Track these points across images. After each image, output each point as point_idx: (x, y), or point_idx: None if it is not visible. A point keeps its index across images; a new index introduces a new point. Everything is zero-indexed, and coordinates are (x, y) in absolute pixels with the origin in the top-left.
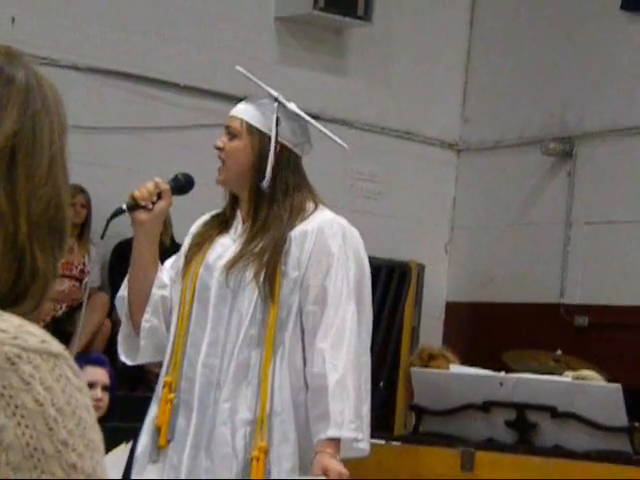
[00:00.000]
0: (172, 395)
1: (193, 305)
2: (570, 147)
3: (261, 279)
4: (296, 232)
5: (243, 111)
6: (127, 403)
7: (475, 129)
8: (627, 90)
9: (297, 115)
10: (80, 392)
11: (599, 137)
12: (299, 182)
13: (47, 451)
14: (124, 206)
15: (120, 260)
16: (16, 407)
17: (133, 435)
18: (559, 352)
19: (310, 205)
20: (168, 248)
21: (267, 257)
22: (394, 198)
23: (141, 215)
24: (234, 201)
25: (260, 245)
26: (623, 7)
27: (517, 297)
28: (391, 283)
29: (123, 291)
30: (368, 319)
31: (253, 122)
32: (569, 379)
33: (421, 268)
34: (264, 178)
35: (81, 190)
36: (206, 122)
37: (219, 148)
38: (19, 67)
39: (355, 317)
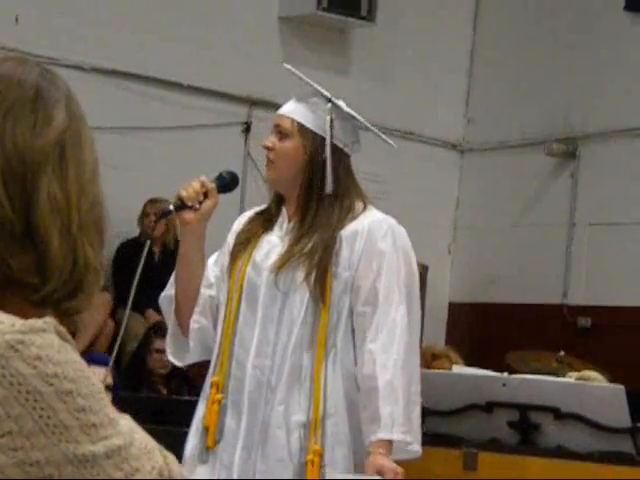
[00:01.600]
0: (220, 395)
1: (240, 305)
2: (573, 148)
3: (312, 281)
4: (346, 232)
5: (294, 111)
6: (130, 403)
7: (478, 130)
8: (630, 91)
9: (349, 115)
10: (73, 351)
11: (602, 138)
12: (350, 182)
13: (67, 423)
14: (171, 207)
15: (124, 260)
16: (28, 393)
17: None
18: (562, 353)
19: (359, 205)
20: (173, 250)
21: (318, 258)
22: (397, 198)
23: (188, 215)
24: (279, 199)
25: (310, 245)
26: (627, 8)
27: (520, 298)
28: None
29: (169, 291)
30: (417, 320)
31: (305, 122)
32: (572, 380)
33: (424, 269)
34: (315, 178)
35: None
36: (209, 122)
37: (269, 148)
38: (55, 75)
39: (405, 318)
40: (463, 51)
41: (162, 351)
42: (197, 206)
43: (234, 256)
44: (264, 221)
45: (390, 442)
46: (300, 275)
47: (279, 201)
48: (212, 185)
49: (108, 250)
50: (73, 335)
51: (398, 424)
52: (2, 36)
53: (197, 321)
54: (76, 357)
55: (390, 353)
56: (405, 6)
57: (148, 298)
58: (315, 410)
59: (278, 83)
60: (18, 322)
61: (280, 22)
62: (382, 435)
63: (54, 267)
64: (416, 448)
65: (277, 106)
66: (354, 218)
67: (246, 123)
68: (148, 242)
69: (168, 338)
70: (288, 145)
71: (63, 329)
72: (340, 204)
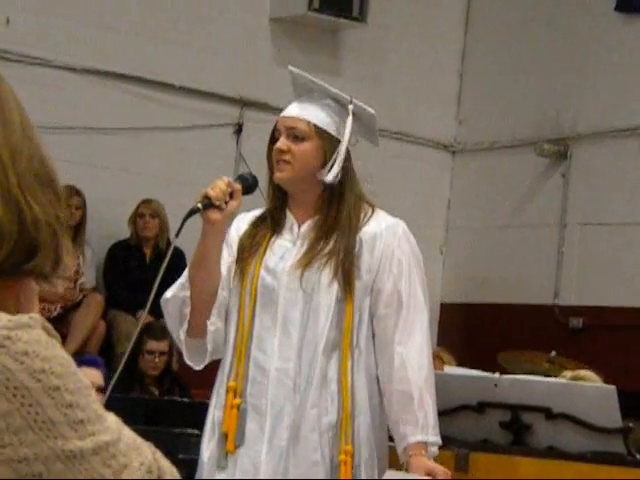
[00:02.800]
0: (238, 400)
1: (255, 308)
2: (564, 149)
3: (339, 281)
4: (365, 235)
5: (308, 113)
6: (122, 404)
7: (470, 130)
8: (621, 92)
9: (369, 115)
10: (59, 346)
11: (593, 139)
12: (359, 185)
13: (55, 419)
14: (199, 205)
15: (115, 261)
16: (15, 389)
17: None
18: (553, 353)
19: (367, 207)
20: (165, 252)
21: (342, 259)
22: (388, 199)
23: (215, 215)
24: (282, 203)
25: (329, 247)
26: (617, 8)
27: (511, 298)
28: None
29: (181, 292)
30: (428, 322)
31: (322, 124)
32: (564, 380)
33: None
34: (332, 180)
35: (76, 192)
36: (201, 123)
37: (283, 151)
38: None
39: (427, 323)
40: (454, 52)
41: (154, 352)
42: (223, 206)
43: (243, 260)
44: (271, 225)
45: (427, 444)
46: (326, 277)
47: (282, 205)
48: (238, 186)
49: (99, 251)
50: (64, 336)
51: (431, 426)
52: None
53: (214, 323)
54: (63, 353)
55: (422, 357)
56: (397, 7)
57: (139, 299)
58: (345, 411)
59: (270, 84)
60: (4, 318)
61: (271, 23)
62: (421, 437)
63: (2, 234)
64: (436, 450)
65: (269, 107)
66: (367, 220)
67: (238, 124)
68: (175, 238)
69: (184, 342)
70: (307, 147)
71: (49, 325)
72: (358, 207)
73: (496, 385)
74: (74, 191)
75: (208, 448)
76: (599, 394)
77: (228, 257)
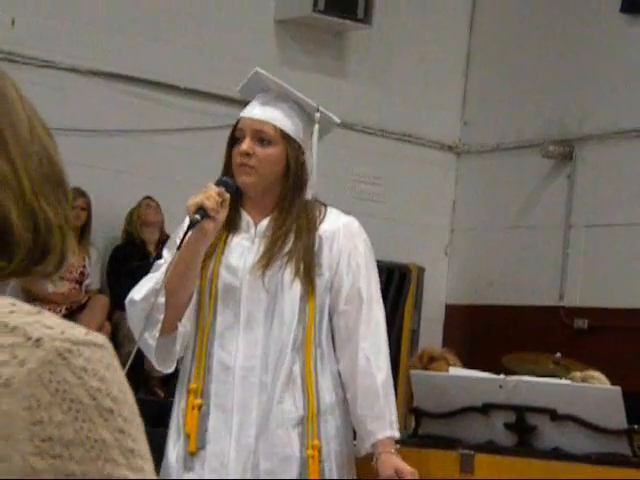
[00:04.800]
0: (199, 401)
1: (217, 307)
2: (570, 150)
3: (301, 280)
4: (324, 232)
5: (273, 117)
6: None
7: (475, 132)
8: (627, 93)
9: (332, 121)
10: (124, 377)
11: (599, 140)
12: (312, 183)
13: (107, 441)
14: (198, 217)
15: (119, 263)
16: (71, 402)
17: None
18: (558, 355)
19: (320, 205)
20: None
21: (302, 258)
22: (394, 201)
23: (209, 225)
24: (236, 200)
25: (289, 246)
26: (622, 10)
27: (517, 300)
28: (391, 286)
29: (157, 299)
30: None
31: (287, 130)
32: (569, 382)
33: (421, 271)
34: (295, 183)
35: (81, 194)
36: (206, 125)
37: (248, 154)
38: None
39: (384, 316)
40: (460, 53)
41: None
42: (216, 216)
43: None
44: (226, 224)
45: (393, 439)
46: (288, 275)
47: (235, 204)
48: (227, 195)
49: (104, 253)
50: None
51: (395, 422)
52: None
53: (184, 325)
54: (124, 381)
55: (381, 352)
56: (402, 8)
57: None
58: (310, 407)
59: None
60: (68, 330)
61: (276, 25)
62: (389, 433)
63: (18, 242)
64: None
65: None
66: (323, 218)
67: None
68: (177, 251)
69: (154, 350)
70: (272, 151)
71: (115, 353)
72: (311, 205)
73: (501, 386)
74: (79, 192)
75: (174, 450)
76: (604, 395)
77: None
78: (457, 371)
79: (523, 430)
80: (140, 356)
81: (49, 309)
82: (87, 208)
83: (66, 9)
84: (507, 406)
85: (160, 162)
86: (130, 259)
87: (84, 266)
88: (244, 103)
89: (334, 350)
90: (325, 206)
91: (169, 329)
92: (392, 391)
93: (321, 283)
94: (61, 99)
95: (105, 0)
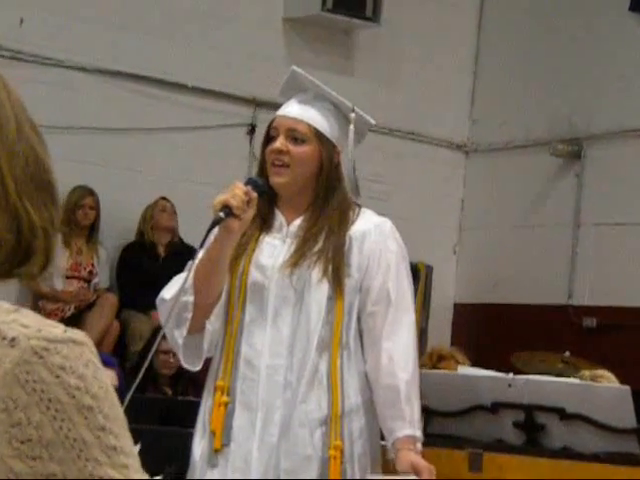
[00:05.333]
0: (225, 398)
1: (245, 305)
2: (578, 149)
3: (329, 279)
4: (355, 233)
5: (308, 116)
6: (136, 404)
7: (483, 130)
8: (635, 91)
9: (367, 123)
10: (104, 374)
11: (607, 138)
12: (346, 184)
13: (87, 439)
14: (222, 214)
15: (128, 262)
16: (49, 401)
17: (142, 437)
18: (567, 353)
19: (354, 206)
20: (177, 251)
21: (332, 257)
22: (402, 199)
23: (235, 223)
24: (270, 202)
25: (319, 245)
26: (631, 8)
27: (525, 299)
28: None
29: (185, 297)
30: (414, 321)
31: (322, 129)
32: (577, 380)
33: (429, 270)
34: (329, 183)
35: (90, 192)
36: (214, 123)
37: (282, 151)
38: None
39: (413, 319)
40: (468, 52)
41: (168, 352)
42: (242, 215)
43: (233, 258)
44: (260, 223)
45: (414, 438)
46: (316, 274)
47: (270, 204)
48: (255, 194)
49: (113, 252)
50: None
51: (417, 421)
52: (7, 38)
53: (213, 323)
54: (105, 379)
55: (407, 352)
56: (410, 7)
57: (153, 299)
58: (334, 407)
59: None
60: (45, 328)
61: (285, 23)
62: (409, 432)
63: (0, 243)
64: (421, 446)
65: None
66: (355, 219)
67: (251, 124)
68: (199, 249)
69: (182, 348)
70: (306, 150)
71: (95, 350)
72: (346, 205)
73: (510, 385)
74: (88, 191)
75: (199, 446)
76: (613, 394)
77: None
78: (466, 370)
79: (532, 429)
80: (148, 355)
81: (58, 308)
82: (96, 207)
83: (74, 8)
84: (516, 405)
85: (168, 161)
86: (140, 259)
87: (93, 264)
88: (252, 102)
89: (362, 351)
90: (359, 207)
91: (197, 327)
92: (416, 391)
93: (350, 284)
94: (69, 98)
95: None
